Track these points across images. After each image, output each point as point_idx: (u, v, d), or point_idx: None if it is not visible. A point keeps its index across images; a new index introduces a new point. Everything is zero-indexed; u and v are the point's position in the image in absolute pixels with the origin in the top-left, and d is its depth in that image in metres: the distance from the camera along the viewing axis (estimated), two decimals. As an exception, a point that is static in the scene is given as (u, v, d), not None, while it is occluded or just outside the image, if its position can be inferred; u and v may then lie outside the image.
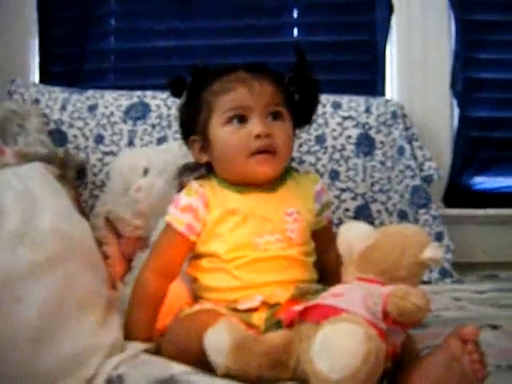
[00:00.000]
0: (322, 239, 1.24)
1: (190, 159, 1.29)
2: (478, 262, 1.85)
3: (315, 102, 1.27)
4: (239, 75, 1.19)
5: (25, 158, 1.36)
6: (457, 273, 1.63)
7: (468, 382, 0.84)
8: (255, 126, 1.14)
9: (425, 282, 1.53)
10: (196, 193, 1.17)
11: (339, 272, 1.05)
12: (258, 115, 1.15)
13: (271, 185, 1.19)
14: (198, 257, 1.20)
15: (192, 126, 1.23)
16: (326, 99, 1.72)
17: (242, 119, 1.16)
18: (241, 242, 1.13)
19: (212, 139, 1.19)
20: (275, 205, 1.17)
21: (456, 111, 1.97)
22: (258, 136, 1.13)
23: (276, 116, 1.18)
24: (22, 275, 0.95)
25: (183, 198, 1.18)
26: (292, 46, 1.23)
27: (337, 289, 0.98)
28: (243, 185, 1.18)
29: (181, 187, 1.25)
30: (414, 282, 0.95)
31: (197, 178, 1.24)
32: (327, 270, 1.22)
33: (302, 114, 1.26)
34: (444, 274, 1.61)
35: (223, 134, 1.17)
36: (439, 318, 1.25)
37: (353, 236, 1.03)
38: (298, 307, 0.96)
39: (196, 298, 1.21)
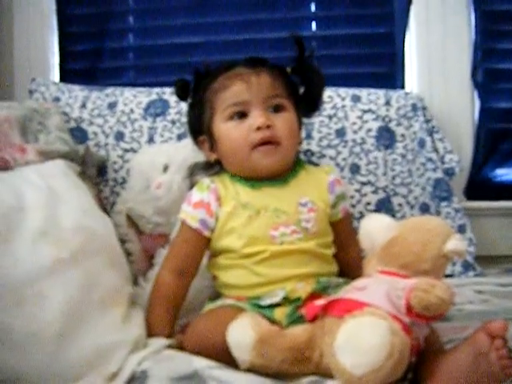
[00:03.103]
0: (341, 233, 1.24)
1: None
2: (500, 254, 1.83)
3: (320, 92, 1.28)
4: (237, 71, 1.21)
5: (46, 155, 1.37)
6: (479, 266, 1.62)
7: (495, 378, 0.83)
8: (255, 118, 1.16)
9: (447, 276, 1.52)
10: (208, 188, 1.19)
11: (361, 266, 1.04)
12: (257, 108, 1.17)
13: (283, 177, 1.20)
14: (215, 254, 1.20)
15: (199, 126, 1.26)
16: (345, 93, 1.71)
17: (243, 114, 1.18)
18: (255, 236, 1.13)
19: (217, 136, 1.21)
20: (288, 196, 1.18)
21: (477, 103, 1.94)
22: (258, 128, 1.15)
23: (277, 108, 1.19)
24: (46, 272, 0.96)
25: (195, 195, 1.20)
26: (308, 40, 1.24)
27: (360, 282, 0.98)
28: (254, 179, 1.19)
29: (192, 186, 1.26)
30: (438, 274, 0.94)
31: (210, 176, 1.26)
32: (349, 265, 1.22)
33: (308, 104, 1.28)
34: (467, 267, 1.60)
35: (226, 130, 1.19)
36: (462, 311, 1.24)
37: (375, 229, 1.03)
38: (321, 301, 0.95)
39: (217, 294, 1.21)
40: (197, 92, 1.27)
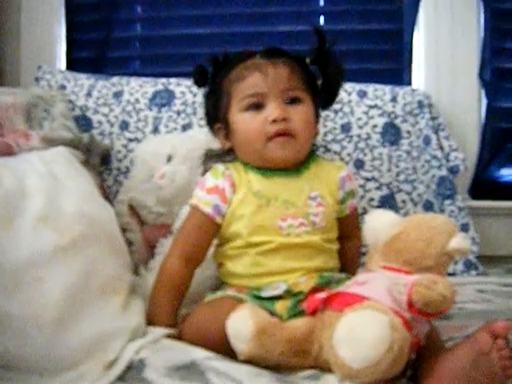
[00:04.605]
0: (345, 226, 1.24)
1: (214, 145, 1.30)
2: (503, 255, 1.82)
3: (338, 84, 1.27)
4: (255, 62, 1.21)
5: (50, 142, 1.36)
6: (482, 265, 1.61)
7: (496, 379, 0.82)
8: (271, 110, 1.16)
9: (449, 274, 1.51)
10: (223, 174, 1.19)
11: (357, 260, 1.04)
12: (274, 100, 1.17)
13: (295, 169, 1.20)
14: (222, 243, 1.20)
15: (215, 113, 1.27)
16: (351, 88, 1.71)
17: (259, 105, 1.18)
18: (262, 225, 1.13)
19: (232, 126, 1.22)
20: (299, 188, 1.18)
21: (484, 101, 1.93)
22: (274, 121, 1.15)
23: (294, 100, 1.19)
24: (46, 258, 0.96)
25: (210, 180, 1.19)
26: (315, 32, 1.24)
27: (361, 277, 0.97)
28: (267, 169, 1.19)
29: (205, 172, 1.26)
30: (441, 272, 0.94)
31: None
32: (346, 257, 1.23)
33: (326, 96, 1.28)
34: (469, 266, 1.59)
35: (242, 120, 1.19)
36: (463, 310, 1.24)
37: (379, 224, 1.03)
38: (322, 295, 0.95)
39: (221, 283, 1.21)
40: (214, 80, 1.28)
